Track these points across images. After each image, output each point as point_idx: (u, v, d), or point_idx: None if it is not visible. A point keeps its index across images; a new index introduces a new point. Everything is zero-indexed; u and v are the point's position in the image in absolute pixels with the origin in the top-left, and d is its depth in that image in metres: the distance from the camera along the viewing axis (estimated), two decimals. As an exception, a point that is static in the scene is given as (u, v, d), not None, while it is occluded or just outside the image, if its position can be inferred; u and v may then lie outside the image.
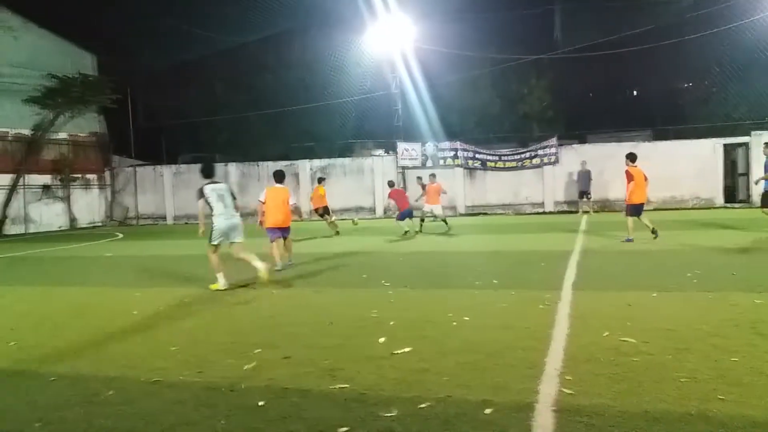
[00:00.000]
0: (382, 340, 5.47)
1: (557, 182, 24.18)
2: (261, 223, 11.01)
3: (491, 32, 27.18)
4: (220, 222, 8.89)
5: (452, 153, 25.12)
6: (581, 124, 28.67)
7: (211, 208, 8.82)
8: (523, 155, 24.67)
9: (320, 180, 19.17)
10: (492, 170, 24.95)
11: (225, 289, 8.68)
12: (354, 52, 27.34)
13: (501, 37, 27.12)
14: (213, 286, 8.82)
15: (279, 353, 5.22)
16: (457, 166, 25.04)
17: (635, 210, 12.71)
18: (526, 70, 28.06)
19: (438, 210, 17.48)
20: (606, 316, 6.08)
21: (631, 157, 12.92)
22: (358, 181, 26.08)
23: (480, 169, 25.04)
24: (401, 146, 25.56)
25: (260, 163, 27.49)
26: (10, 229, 23.79)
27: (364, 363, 4.83)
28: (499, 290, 7.74)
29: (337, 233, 17.40)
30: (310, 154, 27.75)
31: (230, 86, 29.60)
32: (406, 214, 16.56)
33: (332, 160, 26.88)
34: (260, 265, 8.79)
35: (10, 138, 24.42)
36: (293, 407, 3.96)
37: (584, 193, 22.33)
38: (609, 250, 11.64)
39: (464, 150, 25.04)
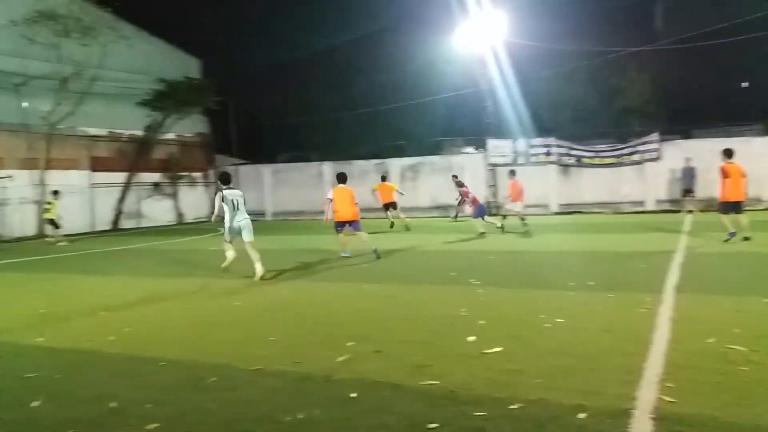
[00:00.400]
0: (471, 338, 5.47)
1: (659, 180, 22.95)
2: (327, 220, 12.33)
3: (587, 24, 26.19)
4: (230, 222, 10.07)
5: (545, 150, 24.45)
6: (685, 118, 26.97)
7: (224, 210, 10.05)
8: (621, 151, 23.61)
9: (383, 178, 20.76)
10: (588, 167, 24.05)
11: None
12: (444, 50, 27.25)
13: (598, 28, 26.06)
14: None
15: (371, 347, 5.34)
16: (550, 163, 24.35)
17: (730, 208, 12.00)
18: (625, 63, 26.79)
19: (518, 207, 17.03)
20: (711, 321, 5.75)
21: (728, 153, 12.17)
22: (448, 179, 25.95)
23: (575, 165, 24.21)
24: (491, 143, 25.19)
25: (353, 161, 28.01)
26: (125, 223, 25.67)
27: (454, 361, 4.86)
28: (596, 292, 7.50)
29: (392, 226, 18.95)
30: (400, 153, 27.95)
31: (325, 87, 30.37)
32: (480, 211, 16.23)
33: (422, 158, 26.93)
34: (258, 268, 9.84)
35: (124, 139, 26.41)
36: (384, 401, 4.05)
37: (688, 192, 21.07)
38: (715, 251, 10.95)
39: (558, 146, 24.29)
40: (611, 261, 10.46)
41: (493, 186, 25.19)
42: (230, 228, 10.12)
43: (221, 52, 28.47)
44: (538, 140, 24.73)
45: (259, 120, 32.56)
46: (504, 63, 25.88)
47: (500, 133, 26.08)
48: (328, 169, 28.21)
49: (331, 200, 12.12)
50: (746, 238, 11.66)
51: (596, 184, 23.87)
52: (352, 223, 12.08)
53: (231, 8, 24.66)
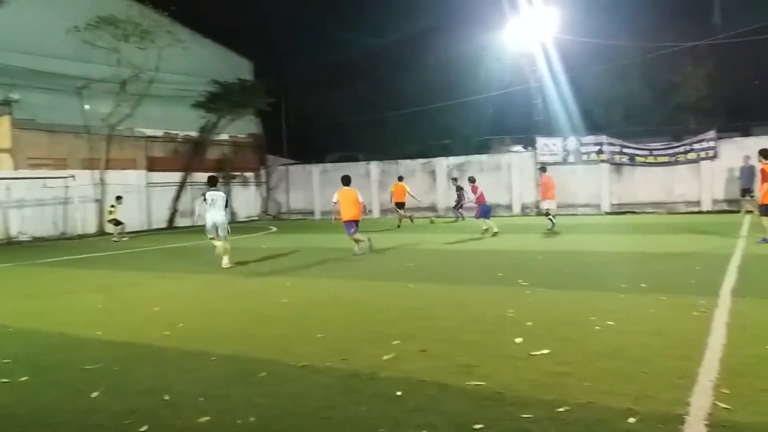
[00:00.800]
0: (519, 340, 5.42)
1: (716, 179, 22.13)
2: (335, 219, 13.53)
3: (641, 18, 25.42)
4: (208, 219, 11.77)
5: (596, 148, 23.90)
6: (744, 115, 25.85)
7: (205, 209, 11.79)
8: (676, 149, 22.87)
9: (400, 178, 22.16)
10: (641, 166, 23.40)
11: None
12: (492, 48, 27.00)
13: (652, 22, 25.27)
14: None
15: (416, 346, 5.36)
16: (602, 161, 23.80)
17: None
18: (680, 58, 25.86)
19: (548, 204, 16.84)
20: (771, 327, 5.54)
21: (764, 154, 11.62)
22: (495, 178, 25.71)
23: (628, 164, 23.59)
24: (541, 141, 24.79)
25: (399, 161, 28.08)
26: (180, 221, 26.46)
27: (501, 362, 4.83)
28: (648, 294, 7.30)
29: (398, 227, 20.20)
30: (446, 152, 27.83)
31: (373, 86, 30.52)
32: (484, 210, 16.35)
33: (468, 157, 26.74)
34: (225, 262, 11.59)
35: (179, 140, 27.25)
36: (430, 400, 4.07)
37: (747, 191, 20.19)
38: (778, 254, 10.51)
39: (610, 144, 23.72)
40: (665, 262, 10.16)
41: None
42: (207, 223, 11.84)
43: (272, 53, 29.01)
44: (590, 138, 24.21)
45: (308, 120, 33.01)
46: (554, 59, 25.42)
47: (550, 131, 25.64)
48: (375, 168, 28.37)
49: (336, 203, 12.94)
50: None
51: (650, 183, 23.20)
52: (357, 223, 12.86)
53: (282, 10, 25.06)
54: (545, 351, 5.03)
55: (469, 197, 18.23)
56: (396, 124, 30.16)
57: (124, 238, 20.04)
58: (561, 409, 3.79)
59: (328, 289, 8.70)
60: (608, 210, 23.61)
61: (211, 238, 11.98)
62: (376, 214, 28.05)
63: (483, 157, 26.54)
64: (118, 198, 20.95)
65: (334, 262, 12.10)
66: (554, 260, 11.06)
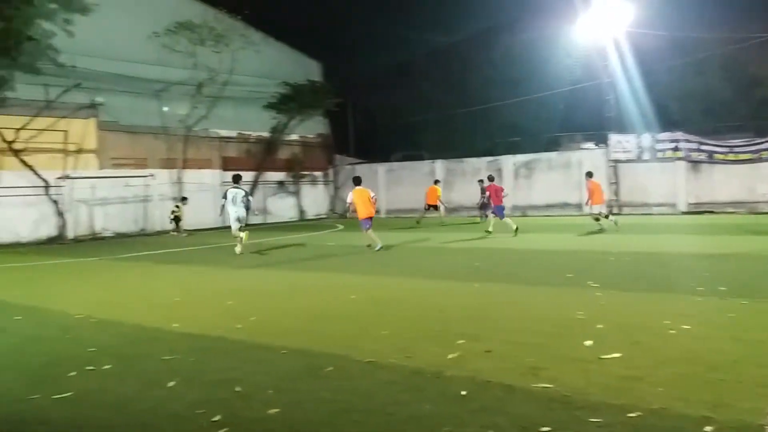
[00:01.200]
0: (588, 343, 5.28)
1: (804, 177, 20.79)
2: (351, 215, 14.86)
3: (721, 9, 24.12)
4: (232, 213, 13.68)
5: (672, 145, 22.91)
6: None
7: (225, 204, 13.79)
8: (760, 146, 21.59)
9: (436, 182, 22.78)
10: (721, 163, 22.24)
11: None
12: (563, 43, 26.34)
13: (733, 13, 23.92)
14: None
15: (482, 346, 5.33)
16: (678, 159, 22.77)
17: None
18: (764, 50, 24.38)
19: (599, 209, 16.65)
20: None
21: None
22: (565, 176, 25.10)
23: (706, 162, 22.48)
24: (613, 138, 23.99)
25: (465, 159, 27.88)
26: (252, 219, 27.29)
27: (569, 365, 4.73)
28: (727, 298, 6.96)
29: (417, 223, 21.54)
30: (514, 149, 27.39)
31: (439, 85, 30.46)
32: (499, 210, 16.57)
33: (537, 155, 26.21)
34: (238, 249, 13.71)
35: (252, 140, 28.14)
36: (496, 401, 4.03)
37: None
38: None
39: (687, 141, 22.68)
40: (745, 265, 9.65)
41: (615, 183, 24.01)
42: (230, 217, 13.85)
43: (340, 53, 29.45)
44: (665, 135, 23.24)
45: (374, 119, 33.30)
46: (627, 54, 24.51)
47: (622, 127, 24.78)
48: (440, 167, 28.27)
49: (351, 202, 14.15)
50: None
51: (730, 181, 22.02)
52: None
53: (350, 11, 25.35)
54: (616, 354, 4.89)
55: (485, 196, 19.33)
56: (462, 121, 29.96)
57: (183, 234, 21.26)
58: (632, 415, 3.68)
59: (393, 287, 8.77)
60: (685, 209, 22.60)
61: (239, 229, 13.89)
62: (441, 212, 27.95)
63: (552, 155, 25.97)
64: (183, 199, 22.39)
65: (398, 260, 12.20)
66: (627, 261, 10.69)
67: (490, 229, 16.49)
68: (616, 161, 23.93)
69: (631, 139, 23.75)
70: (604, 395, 4.04)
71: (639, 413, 3.70)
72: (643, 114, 24.91)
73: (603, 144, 24.63)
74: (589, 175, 17.28)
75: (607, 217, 16.82)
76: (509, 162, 26.49)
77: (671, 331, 5.58)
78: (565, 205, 24.87)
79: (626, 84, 25.14)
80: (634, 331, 5.63)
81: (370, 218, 13.92)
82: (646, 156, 23.19)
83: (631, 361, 4.74)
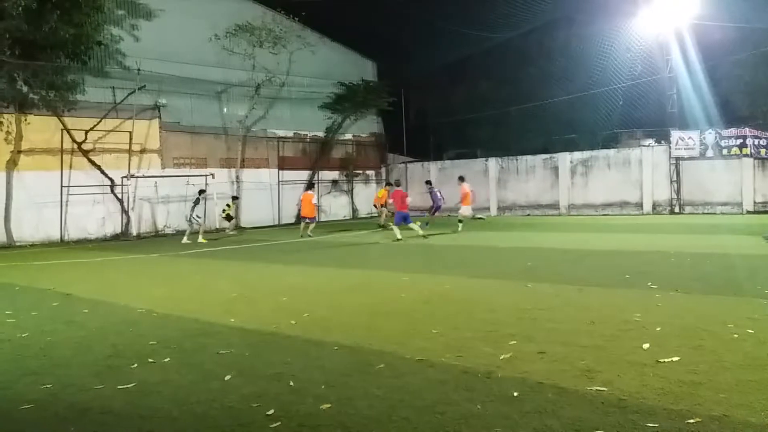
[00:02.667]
0: (646, 346, 5.14)
1: None
2: (389, 212, 17.71)
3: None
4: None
5: (739, 141, 21.90)
6: None
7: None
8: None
9: (461, 178, 20.88)
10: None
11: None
12: (622, 37, 25.54)
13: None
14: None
15: (534, 347, 5.26)
16: (745, 156, 21.75)
17: None
18: None
19: (466, 211, 18.45)
20: None
21: None
22: (624, 174, 24.39)
23: (776, 159, 21.41)
24: (675, 135, 23.13)
25: (518, 157, 27.48)
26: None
27: (625, 368, 4.61)
28: (797, 302, 6.63)
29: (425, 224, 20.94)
30: (571, 147, 26.80)
31: (494, 82, 30.10)
32: (400, 217, 16.56)
33: (594, 152, 25.57)
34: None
35: (308, 140, 28.61)
36: (548, 403, 3.97)
37: None
38: None
39: (755, 137, 21.63)
40: (821, 268, 9.14)
41: (676, 181, 23.18)
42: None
43: (395, 53, 29.48)
44: (731, 131, 22.23)
45: (428, 118, 33.22)
46: (690, 47, 23.54)
47: (685, 123, 23.85)
48: (494, 165, 27.95)
49: (392, 202, 17.03)
50: None
51: (804, 179, 20.91)
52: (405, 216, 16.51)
53: (405, 10, 25.32)
54: (675, 358, 4.74)
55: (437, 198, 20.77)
56: (517, 119, 29.48)
57: (233, 233, 21.81)
58: (691, 421, 3.56)
59: (443, 285, 8.74)
60: (751, 209, 21.58)
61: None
62: (493, 211, 27.67)
63: (610, 152, 25.29)
64: (235, 198, 23.08)
65: (449, 259, 12.15)
66: (688, 262, 10.31)
67: (399, 237, 16.40)
68: (678, 158, 23.08)
69: (694, 136, 22.85)
70: (662, 400, 3.92)
71: (698, 419, 3.58)
72: (707, 109, 23.87)
73: (664, 141, 23.79)
74: (461, 179, 19.55)
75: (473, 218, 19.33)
76: (565, 159, 25.95)
77: (734, 336, 5.36)
78: (624, 204, 24.18)
79: (689, 78, 24.15)
80: (695, 335, 5.43)
81: (407, 214, 16.45)
82: (709, 153, 22.26)
83: (691, 365, 4.58)
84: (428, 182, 22.83)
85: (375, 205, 23.42)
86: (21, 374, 5.20)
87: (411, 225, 16.69)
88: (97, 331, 6.78)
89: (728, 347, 5.04)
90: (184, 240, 19.08)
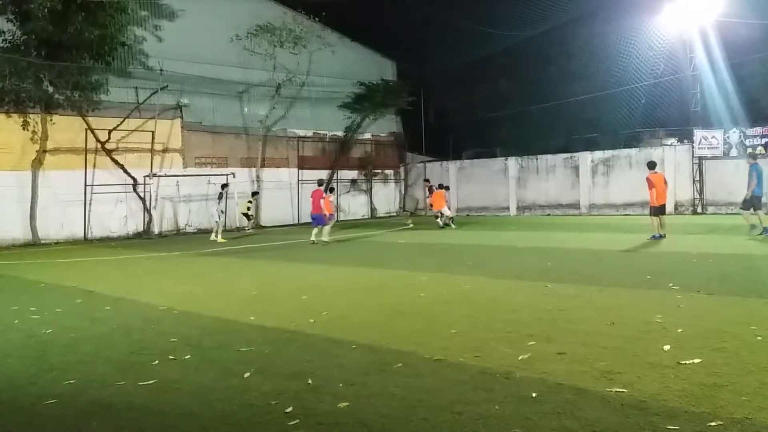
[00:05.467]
0: (666, 347, 5.08)
1: None
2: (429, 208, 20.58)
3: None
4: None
5: (764, 140, 21.50)
6: None
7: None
8: None
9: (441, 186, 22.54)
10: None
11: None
12: (645, 35, 25.20)
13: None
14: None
15: (554, 348, 5.23)
16: (772, 155, 21.33)
17: None
18: None
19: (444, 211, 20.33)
20: None
21: None
22: (645, 174, 24.01)
23: (804, 158, 20.94)
24: (699, 134, 22.78)
25: (539, 156, 27.28)
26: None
27: (645, 369, 4.56)
28: (824, 305, 6.50)
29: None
30: (591, 146, 26.54)
31: (514, 81, 29.93)
32: (315, 219, 16.71)
33: (616, 152, 25.29)
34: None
35: (327, 139, 28.72)
36: (567, 404, 3.95)
37: None
38: None
39: (781, 136, 21.22)
40: None
41: (699, 181, 22.83)
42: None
43: (414, 52, 29.46)
44: (756, 129, 21.81)
45: (447, 117, 33.12)
46: (714, 45, 23.12)
47: (708, 122, 23.47)
48: (513, 164, 27.80)
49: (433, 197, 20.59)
50: None
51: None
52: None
53: (425, 9, 25.30)
54: (696, 360, 4.68)
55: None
56: (538, 118, 29.26)
57: (251, 231, 22.06)
58: (713, 424, 3.52)
59: (462, 285, 8.72)
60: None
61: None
62: (513, 211, 27.53)
63: (632, 152, 24.99)
64: (255, 194, 23.23)
65: (468, 259, 12.11)
66: (711, 263, 10.15)
67: (327, 239, 16.67)
68: (701, 158, 22.73)
69: (717, 135, 22.48)
70: (683, 402, 3.88)
71: (720, 422, 3.53)
72: (732, 108, 23.45)
73: (687, 140, 23.45)
74: (433, 186, 21.92)
75: (437, 217, 21.09)
76: (586, 159, 25.71)
77: (758, 338, 5.27)
78: (645, 204, 23.78)
79: (713, 77, 23.74)
80: (717, 337, 5.36)
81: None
82: (733, 152, 21.89)
83: (713, 367, 4.52)
84: (427, 180, 25.01)
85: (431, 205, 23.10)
86: (45, 369, 5.31)
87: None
88: (119, 328, 6.89)
89: (751, 349, 4.96)
90: (217, 238, 19.19)
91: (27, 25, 18.39)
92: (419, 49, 29.31)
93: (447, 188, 23.30)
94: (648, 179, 14.44)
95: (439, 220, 21.09)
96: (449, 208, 22.14)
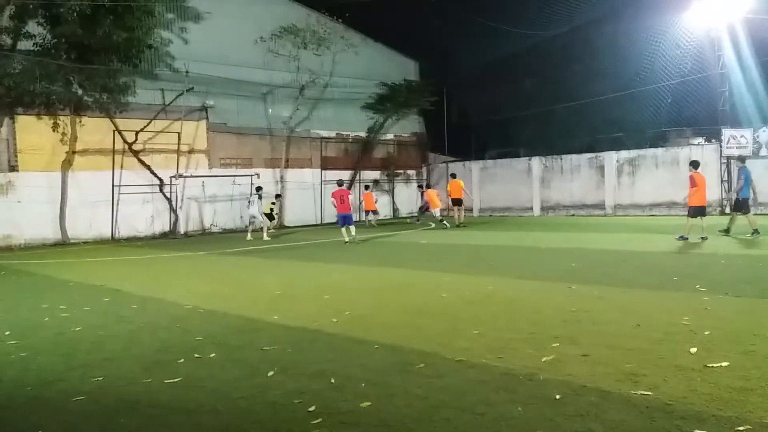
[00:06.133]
0: (693, 350, 5.00)
1: None
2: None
3: None
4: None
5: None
6: None
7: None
8: None
9: (453, 175, 23.58)
10: None
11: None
12: (671, 33, 24.81)
13: None
14: None
15: (578, 350, 5.18)
16: (804, 154, 20.85)
17: None
18: None
19: (437, 212, 21.36)
20: None
21: None
22: (673, 174, 23.67)
23: (838, 157, 20.44)
24: (727, 133, 22.34)
25: (563, 156, 27.03)
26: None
27: (671, 372, 4.50)
28: None
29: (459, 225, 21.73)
30: (617, 145, 26.20)
31: (539, 80, 29.68)
32: (342, 219, 16.59)
33: (642, 151, 24.93)
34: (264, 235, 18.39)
35: (350, 140, 28.83)
36: (591, 406, 3.92)
37: None
38: None
39: (814, 135, 20.72)
40: None
41: (727, 181, 22.41)
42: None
43: (437, 52, 29.40)
44: None
45: (470, 116, 32.98)
46: (743, 42, 22.66)
47: (737, 121, 23.02)
48: (537, 164, 27.58)
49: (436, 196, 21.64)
50: None
51: None
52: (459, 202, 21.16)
53: (447, 8, 25.26)
54: (724, 363, 4.60)
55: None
56: (562, 117, 28.97)
57: (272, 231, 21.95)
58: (741, 428, 3.46)
59: (486, 286, 8.68)
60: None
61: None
62: (536, 212, 27.33)
63: (658, 151, 24.62)
64: (278, 196, 23.34)
65: (491, 260, 12.05)
66: (739, 265, 9.96)
67: (347, 238, 16.63)
68: (729, 157, 22.30)
69: (746, 134, 22.03)
70: (710, 405, 3.82)
71: (749, 426, 3.48)
72: (761, 107, 22.96)
73: (714, 139, 23.03)
74: (424, 186, 22.22)
75: (441, 220, 21.33)
76: (611, 158, 25.40)
77: (789, 341, 5.17)
78: (672, 204, 23.49)
79: (742, 75, 23.26)
80: (746, 339, 5.26)
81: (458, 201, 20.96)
82: (763, 152, 21.43)
83: (742, 370, 4.45)
84: (420, 186, 26.66)
85: (427, 208, 23.72)
86: (74, 367, 5.43)
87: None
88: (145, 326, 7.00)
89: (782, 353, 4.86)
90: (264, 236, 19.48)
91: (57, 28, 18.77)
92: (442, 49, 29.25)
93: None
94: (691, 177, 14.08)
95: (440, 219, 21.57)
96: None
